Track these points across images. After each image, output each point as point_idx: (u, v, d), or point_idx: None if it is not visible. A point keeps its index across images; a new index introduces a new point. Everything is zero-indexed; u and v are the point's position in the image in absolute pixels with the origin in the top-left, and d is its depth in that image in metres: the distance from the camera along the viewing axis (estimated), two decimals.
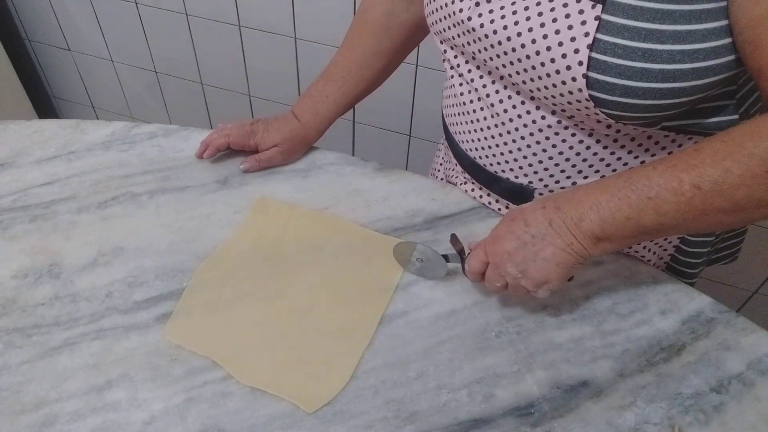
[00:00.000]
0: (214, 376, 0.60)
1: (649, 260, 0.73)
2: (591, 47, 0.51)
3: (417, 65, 1.37)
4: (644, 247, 0.71)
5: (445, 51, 0.67)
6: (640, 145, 0.61)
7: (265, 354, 0.62)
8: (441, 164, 0.89)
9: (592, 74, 0.52)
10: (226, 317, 0.65)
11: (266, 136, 0.82)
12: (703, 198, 0.50)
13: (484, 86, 0.64)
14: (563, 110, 0.59)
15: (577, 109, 0.57)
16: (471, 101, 0.67)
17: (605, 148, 0.62)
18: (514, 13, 0.55)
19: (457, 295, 0.67)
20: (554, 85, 0.56)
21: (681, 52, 0.50)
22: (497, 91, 0.64)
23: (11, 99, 1.82)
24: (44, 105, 2.05)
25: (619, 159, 0.63)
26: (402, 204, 0.78)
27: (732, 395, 0.59)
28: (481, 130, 0.68)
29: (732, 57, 0.51)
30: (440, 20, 0.64)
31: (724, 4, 0.49)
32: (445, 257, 0.67)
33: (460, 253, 0.66)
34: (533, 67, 0.56)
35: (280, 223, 0.75)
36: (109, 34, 1.72)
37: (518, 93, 0.62)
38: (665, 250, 0.72)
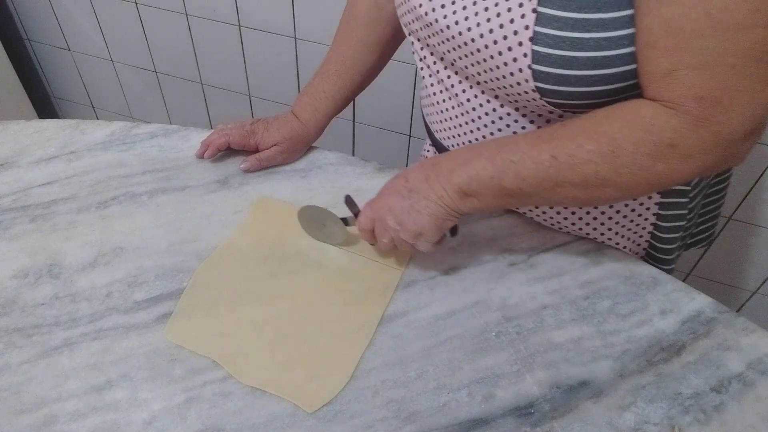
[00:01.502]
0: (214, 376, 0.60)
1: (625, 247, 0.74)
2: (532, 39, 0.53)
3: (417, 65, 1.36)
4: (617, 234, 0.72)
5: (413, 43, 0.69)
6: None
7: (265, 354, 0.62)
8: (425, 154, 0.90)
9: (534, 66, 0.54)
10: (226, 317, 0.65)
11: (266, 135, 0.82)
12: (558, 168, 0.54)
13: (449, 77, 0.66)
14: (516, 101, 0.60)
15: (527, 100, 0.58)
16: (440, 91, 0.69)
17: None
18: (464, 8, 0.57)
19: (457, 295, 0.67)
20: (504, 77, 0.57)
21: (607, 39, 0.51)
22: (460, 82, 0.65)
23: (11, 99, 1.82)
24: (44, 105, 2.05)
25: None
26: None
27: (732, 395, 0.59)
28: (450, 119, 0.69)
29: None
30: (405, 14, 0.65)
31: None
32: (344, 221, 0.68)
33: (357, 215, 0.67)
34: (484, 60, 0.57)
35: (280, 223, 0.75)
36: (109, 34, 1.72)
37: (477, 84, 0.63)
38: (641, 236, 0.72)
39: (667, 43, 0.48)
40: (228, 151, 0.84)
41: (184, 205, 0.77)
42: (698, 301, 0.67)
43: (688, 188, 0.66)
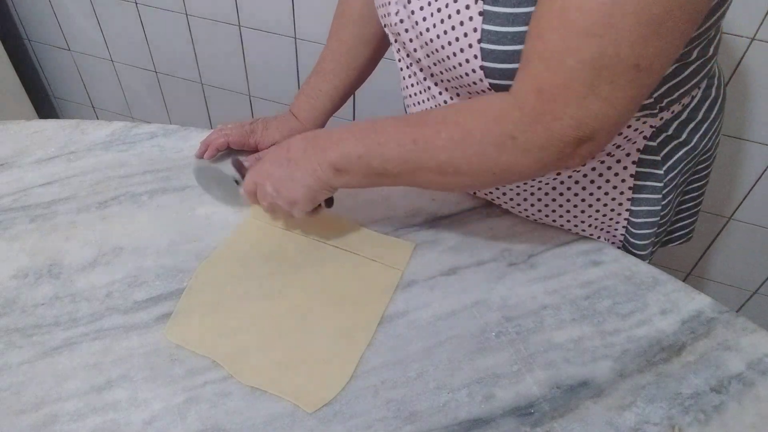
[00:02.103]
0: (214, 376, 0.60)
1: (599, 237, 0.74)
2: (480, 38, 0.54)
3: None
4: (590, 226, 0.73)
5: (394, 41, 0.69)
6: None
7: (265, 354, 0.62)
8: None
9: (484, 63, 0.55)
10: (226, 317, 0.65)
11: (266, 134, 0.82)
12: (417, 153, 0.56)
13: (422, 72, 0.66)
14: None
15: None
16: (418, 92, 0.69)
17: None
18: (421, 8, 0.58)
19: (457, 295, 0.67)
20: (461, 76, 0.58)
21: None
22: (435, 84, 0.65)
23: (11, 99, 1.82)
24: (44, 105, 2.05)
25: None
26: (402, 204, 0.78)
27: (732, 395, 0.59)
28: None
29: None
30: (383, 17, 0.66)
31: None
32: (237, 183, 0.70)
33: (243, 176, 0.69)
34: (442, 60, 0.58)
35: (280, 223, 0.75)
36: (109, 34, 1.72)
37: (443, 86, 0.64)
38: (616, 230, 0.73)
39: (531, 29, 0.48)
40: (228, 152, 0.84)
41: (184, 205, 0.77)
42: (698, 301, 0.67)
43: (660, 185, 0.67)
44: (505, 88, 0.55)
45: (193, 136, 0.87)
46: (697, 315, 0.65)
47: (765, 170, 1.19)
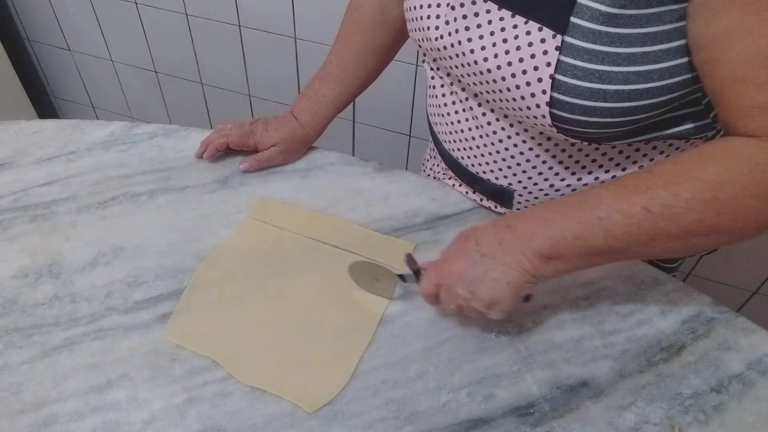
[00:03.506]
0: (214, 376, 0.60)
1: None
2: (555, 70, 0.52)
3: (417, 65, 1.37)
4: None
5: (425, 54, 0.68)
6: (614, 147, 0.62)
7: (265, 354, 0.62)
8: (428, 160, 0.90)
9: (556, 95, 0.53)
10: (226, 317, 0.65)
11: (265, 135, 0.82)
12: (653, 221, 0.50)
13: (463, 89, 0.65)
14: (531, 126, 0.60)
15: (540, 132, 0.58)
16: (453, 102, 0.68)
17: (585, 154, 0.63)
18: (481, 37, 0.57)
19: None
20: (521, 108, 0.57)
21: (635, 74, 0.51)
22: (478, 103, 0.65)
23: (11, 99, 1.82)
24: (44, 105, 2.05)
25: (594, 161, 0.64)
26: (402, 204, 0.78)
27: (732, 395, 0.59)
28: (461, 131, 0.69)
29: (688, 75, 0.52)
30: (414, 31, 0.65)
31: (681, 24, 0.49)
32: (402, 278, 0.64)
33: (416, 273, 0.63)
34: (500, 90, 0.57)
35: (280, 223, 0.75)
36: (109, 34, 1.72)
37: (492, 110, 0.63)
38: None
39: (762, 76, 0.46)
40: (228, 151, 0.84)
41: (184, 205, 0.77)
42: (698, 301, 0.67)
43: None
44: (568, 120, 0.54)
45: (193, 136, 0.87)
46: (697, 315, 0.65)
47: None
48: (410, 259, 0.63)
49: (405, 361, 0.61)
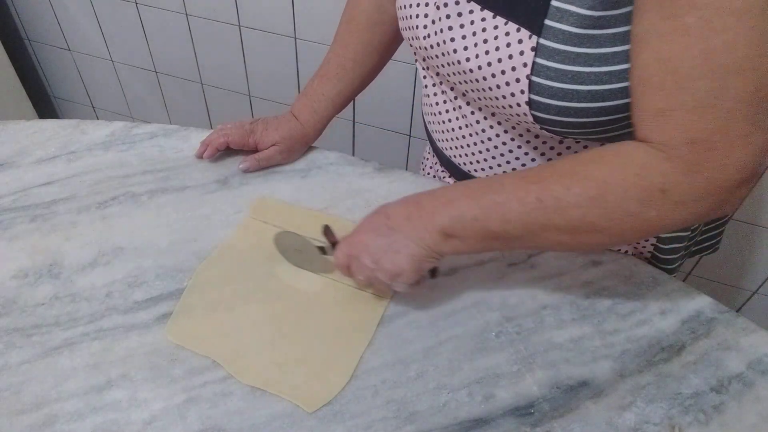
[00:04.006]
0: (214, 376, 0.60)
1: (626, 251, 0.73)
2: (531, 71, 0.53)
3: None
4: None
5: (415, 53, 0.69)
6: (601, 144, 0.62)
7: (265, 354, 0.62)
8: (427, 159, 0.90)
9: (533, 96, 0.53)
10: (226, 317, 0.65)
11: (265, 135, 0.82)
12: (544, 212, 0.51)
13: (452, 88, 0.65)
14: (517, 124, 0.60)
15: (527, 130, 0.59)
16: (444, 101, 0.69)
17: (573, 151, 0.63)
18: (464, 37, 0.57)
19: (457, 295, 0.67)
20: (503, 107, 0.57)
21: (608, 74, 0.51)
22: (467, 103, 0.65)
23: (11, 99, 1.82)
24: (44, 105, 2.05)
25: None
26: None
27: (732, 395, 0.59)
28: (452, 130, 0.69)
29: None
30: (405, 30, 0.65)
31: None
32: (321, 249, 0.66)
33: (334, 245, 0.64)
34: (483, 89, 0.58)
35: (280, 223, 0.75)
36: (109, 34, 1.72)
37: (480, 108, 0.64)
38: (644, 246, 0.73)
39: (662, 81, 0.46)
40: (228, 151, 0.84)
41: (184, 205, 0.77)
42: (698, 301, 0.67)
43: None
44: (553, 122, 0.54)
45: (193, 136, 0.87)
46: (697, 315, 0.65)
47: (765, 170, 1.19)
48: (327, 231, 0.65)
49: (405, 361, 0.61)
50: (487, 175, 0.69)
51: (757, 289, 1.45)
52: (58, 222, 0.75)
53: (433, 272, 0.64)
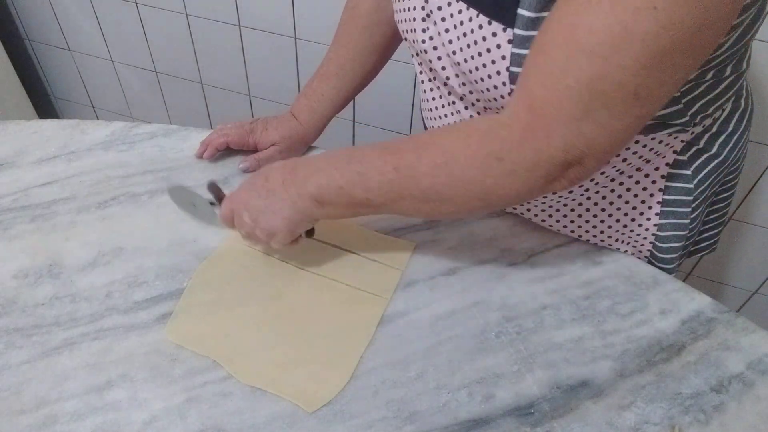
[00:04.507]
0: (214, 376, 0.60)
1: (625, 251, 0.73)
2: (510, 63, 0.52)
3: None
4: (617, 240, 0.72)
5: (410, 47, 0.68)
6: None
7: (265, 354, 0.62)
8: None
9: (513, 87, 0.53)
10: (226, 317, 0.65)
11: (265, 134, 0.82)
12: (400, 181, 0.54)
13: (445, 84, 0.65)
14: None
15: None
16: (440, 96, 0.69)
17: None
18: (447, 31, 0.57)
19: (457, 295, 0.67)
20: (489, 100, 0.57)
21: None
22: (461, 99, 0.65)
23: (11, 99, 1.82)
24: (44, 105, 2.05)
25: None
26: None
27: (732, 395, 0.59)
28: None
29: None
30: (401, 22, 0.65)
31: None
32: (213, 204, 0.70)
33: (220, 200, 0.69)
34: (470, 83, 0.58)
35: None
36: (109, 34, 1.72)
37: (473, 104, 0.63)
38: (642, 245, 0.72)
39: (535, 43, 0.47)
40: (228, 151, 0.84)
41: None
42: (698, 301, 0.67)
43: (690, 198, 0.66)
44: None
45: (193, 136, 0.87)
46: (697, 315, 0.65)
47: (765, 170, 1.19)
48: (213, 186, 0.70)
49: (405, 361, 0.61)
50: None
51: (757, 289, 1.45)
52: (58, 222, 0.75)
53: (309, 232, 0.68)
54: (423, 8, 0.60)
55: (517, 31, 0.51)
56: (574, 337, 0.63)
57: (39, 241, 0.73)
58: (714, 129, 0.64)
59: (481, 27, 0.53)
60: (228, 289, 0.68)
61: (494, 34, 0.52)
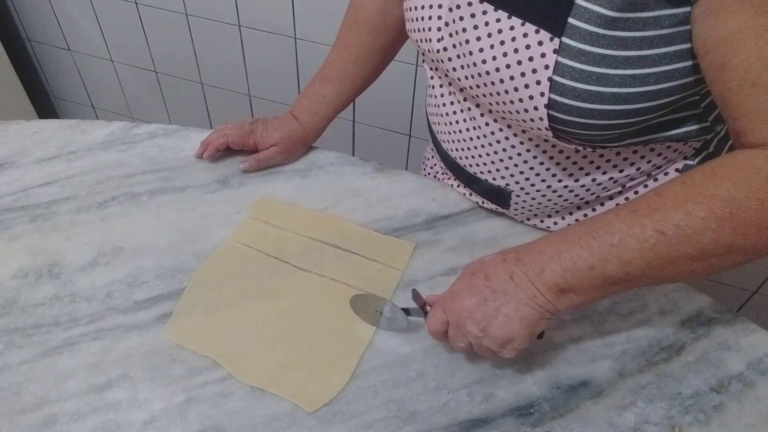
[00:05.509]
0: (214, 376, 0.60)
1: None
2: (553, 72, 0.52)
3: (417, 65, 1.37)
4: None
5: (423, 54, 0.68)
6: (611, 149, 0.62)
7: (265, 354, 0.62)
8: (428, 159, 0.90)
9: (554, 96, 0.53)
10: (226, 317, 0.65)
11: (265, 135, 0.82)
12: (668, 244, 0.48)
13: (461, 90, 0.65)
14: (528, 130, 0.60)
15: (537, 136, 0.58)
16: (451, 103, 0.68)
17: (582, 156, 0.62)
18: (479, 39, 0.56)
19: None
20: (518, 111, 0.57)
21: (632, 77, 0.51)
22: (477, 105, 0.65)
23: (11, 99, 1.82)
24: (44, 105, 2.05)
25: (591, 162, 0.63)
26: (402, 204, 0.78)
27: (732, 395, 0.59)
28: (459, 132, 0.68)
29: (686, 79, 0.52)
30: (414, 31, 0.65)
31: (682, 28, 0.49)
32: (406, 311, 0.62)
33: (422, 308, 0.61)
34: (498, 93, 0.57)
35: (280, 223, 0.75)
36: (109, 34, 1.72)
37: (489, 111, 0.63)
38: None
39: (745, 82, 0.44)
40: (228, 151, 0.84)
41: (184, 205, 0.77)
42: (698, 301, 0.67)
43: None
44: (565, 122, 0.54)
45: (193, 136, 0.87)
46: (697, 315, 0.65)
47: None
48: (416, 294, 0.61)
49: (405, 361, 0.61)
50: (494, 178, 0.69)
51: (757, 289, 1.45)
52: (58, 222, 0.75)
53: (540, 334, 0.57)
54: (440, 17, 0.60)
55: (567, 40, 0.51)
56: (574, 337, 0.63)
57: (39, 241, 0.73)
58: (723, 133, 0.64)
59: (525, 35, 0.53)
60: (228, 289, 0.68)
61: (540, 43, 0.52)
